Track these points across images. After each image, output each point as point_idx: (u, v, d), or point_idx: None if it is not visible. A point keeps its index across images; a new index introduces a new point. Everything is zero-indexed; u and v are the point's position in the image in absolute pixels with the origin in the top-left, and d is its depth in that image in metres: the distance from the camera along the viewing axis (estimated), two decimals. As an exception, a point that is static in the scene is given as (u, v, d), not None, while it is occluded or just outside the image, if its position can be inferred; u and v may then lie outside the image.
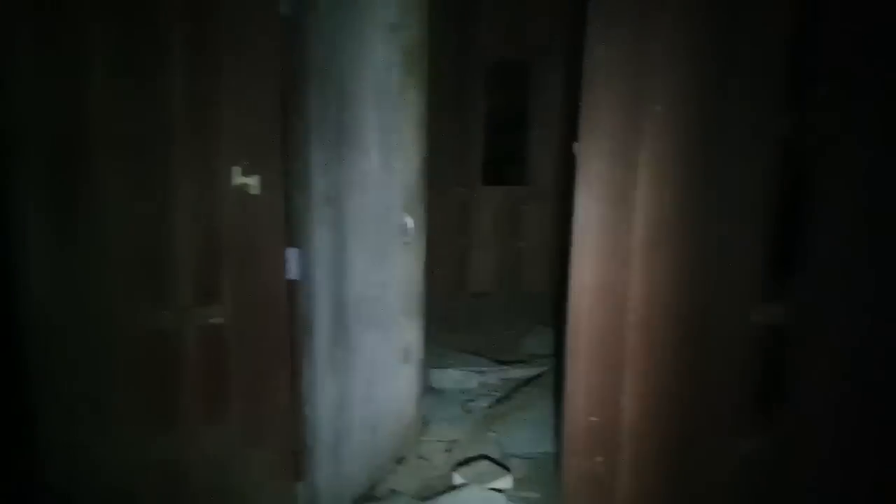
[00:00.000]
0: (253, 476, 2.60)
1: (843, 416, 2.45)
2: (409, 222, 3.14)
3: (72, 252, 2.35)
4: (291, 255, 2.45)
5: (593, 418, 2.55)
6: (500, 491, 3.11)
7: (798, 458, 2.51)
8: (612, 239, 2.40)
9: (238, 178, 2.30)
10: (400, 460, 3.36)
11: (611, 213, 2.38)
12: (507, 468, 3.30)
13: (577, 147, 2.38)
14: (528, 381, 4.39)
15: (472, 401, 4.16)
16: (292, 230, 2.44)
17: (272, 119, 2.32)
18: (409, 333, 3.35)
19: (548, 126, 5.97)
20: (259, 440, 2.57)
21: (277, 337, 2.49)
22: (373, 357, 3.03)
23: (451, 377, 4.41)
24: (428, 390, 4.17)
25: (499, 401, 4.13)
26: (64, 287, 2.41)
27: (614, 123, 2.31)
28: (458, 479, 3.19)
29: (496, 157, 6.27)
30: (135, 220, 2.38)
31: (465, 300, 6.13)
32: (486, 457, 3.40)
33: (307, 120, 2.40)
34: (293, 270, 2.47)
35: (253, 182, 2.31)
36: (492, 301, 6.09)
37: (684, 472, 2.55)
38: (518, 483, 3.22)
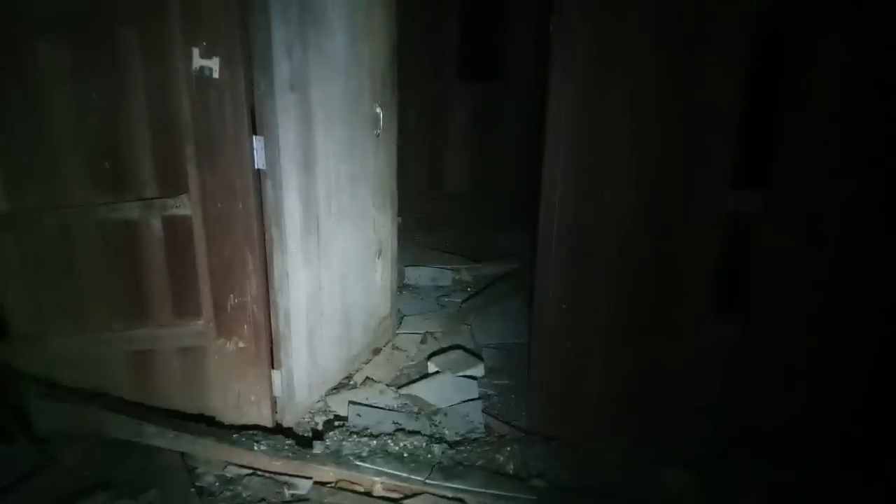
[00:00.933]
0: (226, 367, 2.64)
1: (809, 298, 2.52)
2: (381, 112, 3.05)
3: (21, 141, 2.26)
4: (257, 143, 2.36)
5: (564, 305, 2.60)
6: (472, 378, 3.20)
7: (768, 340, 2.60)
8: (587, 122, 2.35)
9: (197, 61, 2.18)
10: (376, 351, 3.43)
11: (585, 95, 2.32)
12: (479, 357, 3.39)
13: (554, 21, 2.28)
14: (501, 277, 4.44)
15: (446, 296, 4.21)
16: (256, 117, 2.34)
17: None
18: (382, 227, 3.33)
19: (527, 20, 5.76)
20: (232, 330, 2.58)
21: (246, 227, 2.45)
22: (346, 250, 3.02)
23: (425, 274, 4.44)
24: (403, 287, 4.21)
25: (472, 296, 4.19)
26: (19, 177, 2.33)
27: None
28: (432, 367, 3.28)
29: (473, 51, 6.08)
30: (88, 105, 2.27)
31: (439, 200, 6.11)
32: (459, 347, 3.48)
33: (267, -3, 2.26)
34: (259, 159, 2.39)
35: (213, 65, 2.19)
36: (466, 200, 6.07)
37: (652, 356, 2.64)
38: (490, 371, 3.31)
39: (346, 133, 2.85)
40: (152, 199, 2.43)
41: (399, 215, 3.57)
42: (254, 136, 2.36)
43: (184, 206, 2.44)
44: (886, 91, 2.24)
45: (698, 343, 2.60)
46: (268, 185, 2.45)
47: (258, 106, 2.33)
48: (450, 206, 6.02)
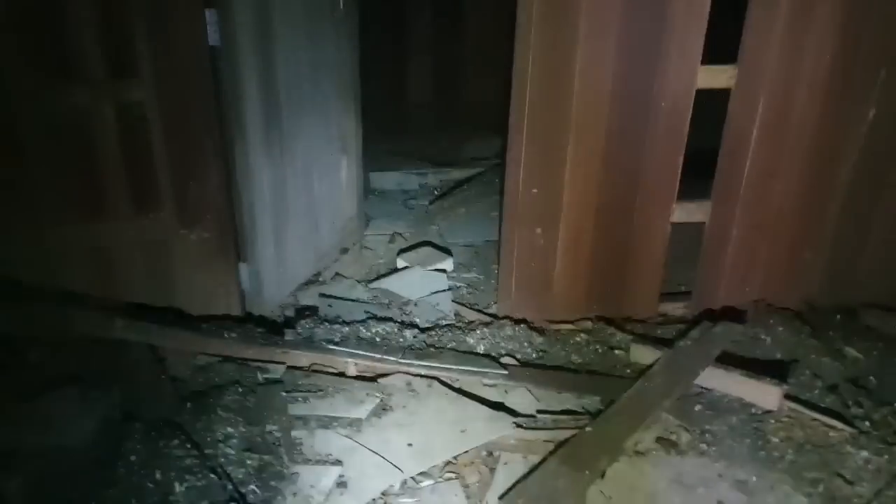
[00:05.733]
0: (191, 259, 2.57)
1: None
2: (339, -5, 2.90)
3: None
4: (210, 16, 2.23)
5: (535, 190, 2.57)
6: (442, 271, 3.20)
7: (735, 221, 2.62)
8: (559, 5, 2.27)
9: (139, -81, 2.02)
10: (344, 251, 3.39)
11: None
12: (449, 252, 3.38)
13: None
14: (468, 180, 4.40)
15: (413, 199, 4.17)
16: (207, -12, 2.20)
17: None
18: (345, 122, 3.23)
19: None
20: (194, 222, 2.50)
21: (203, 109, 2.34)
22: (310, 144, 2.92)
23: (391, 178, 4.38)
24: (369, 192, 4.14)
25: (439, 198, 4.15)
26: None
27: None
28: (401, 262, 3.26)
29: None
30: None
31: (404, 109, 5.97)
32: (428, 243, 3.46)
33: None
34: (213, 35, 2.26)
35: (157, -76, 2.03)
36: (432, 109, 5.94)
37: (622, 239, 2.65)
38: (459, 266, 3.31)
39: (305, 14, 2.71)
40: (101, 81, 2.29)
41: (363, 122, 3.46)
42: (206, 10, 2.23)
43: (136, 90, 2.31)
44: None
45: (664, 228, 2.61)
46: (224, 64, 2.33)
47: (210, -25, 2.19)
48: (414, 115, 5.89)
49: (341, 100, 3.15)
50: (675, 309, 2.79)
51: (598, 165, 2.51)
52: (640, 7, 2.27)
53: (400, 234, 3.66)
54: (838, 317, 2.61)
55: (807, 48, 2.34)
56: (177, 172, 2.42)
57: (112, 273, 2.57)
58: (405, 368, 2.35)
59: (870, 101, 2.45)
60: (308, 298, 2.94)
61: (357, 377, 2.36)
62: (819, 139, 2.49)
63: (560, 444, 1.99)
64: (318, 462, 2.00)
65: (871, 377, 2.31)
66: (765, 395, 2.16)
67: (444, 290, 3.04)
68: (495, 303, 2.93)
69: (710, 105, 2.42)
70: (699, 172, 2.56)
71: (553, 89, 2.38)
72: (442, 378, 2.35)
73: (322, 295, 2.93)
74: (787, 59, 2.36)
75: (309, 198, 3.01)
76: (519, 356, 2.51)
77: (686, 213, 2.61)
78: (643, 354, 2.45)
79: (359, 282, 3.13)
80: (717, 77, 2.40)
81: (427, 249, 3.39)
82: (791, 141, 2.49)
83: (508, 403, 2.26)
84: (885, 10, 2.31)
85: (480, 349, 2.54)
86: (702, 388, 2.26)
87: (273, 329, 2.59)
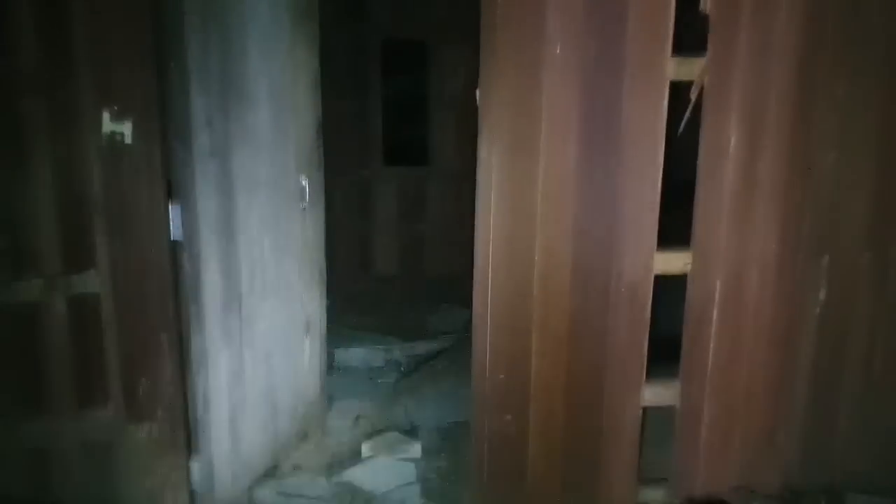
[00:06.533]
0: (140, 456, 2.39)
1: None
2: (306, 185, 3.00)
3: None
4: (173, 211, 2.25)
5: (501, 376, 2.51)
6: (410, 460, 3.03)
7: (706, 404, 2.57)
8: (517, 190, 2.36)
9: (108, 125, 2.09)
10: (304, 436, 3.22)
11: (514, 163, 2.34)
12: (416, 438, 3.23)
13: (479, 94, 2.33)
14: (434, 356, 4.34)
15: (378, 377, 4.06)
16: (173, 184, 2.25)
17: (143, 56, 2.12)
18: (309, 304, 3.20)
19: (450, 107, 5.95)
20: (144, 416, 2.36)
21: (160, 303, 2.29)
22: (271, 328, 2.87)
23: (356, 355, 4.30)
24: (332, 370, 4.03)
25: (405, 375, 4.05)
26: None
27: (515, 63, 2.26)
28: (366, 450, 3.09)
29: (398, 139, 6.19)
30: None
31: (369, 283, 6.03)
32: (394, 427, 3.31)
33: (183, 59, 2.21)
34: (176, 230, 2.28)
35: (125, 129, 2.10)
36: (396, 284, 6.02)
37: (593, 424, 2.56)
38: (427, 453, 3.15)
39: (271, 204, 2.78)
40: (55, 276, 2.24)
41: (328, 298, 3.45)
42: (170, 205, 2.26)
43: (91, 283, 2.27)
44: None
45: (635, 412, 2.55)
46: (185, 257, 2.32)
47: (175, 172, 2.24)
48: (380, 288, 5.95)
49: (306, 283, 3.15)
50: (655, 498, 2.64)
51: (563, 351, 2.48)
52: (595, 202, 2.37)
53: (365, 416, 3.51)
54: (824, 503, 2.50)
55: (752, 236, 2.45)
56: (128, 367, 2.31)
57: (49, 477, 2.36)
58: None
59: (819, 283, 2.52)
60: (265, 495, 2.73)
61: None
62: (777, 320, 2.52)
63: None
64: None
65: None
66: None
67: (411, 483, 2.86)
68: (466, 494, 2.75)
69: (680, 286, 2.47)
70: (672, 354, 2.55)
71: (514, 278, 2.40)
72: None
73: (280, 493, 2.72)
74: (735, 245, 2.45)
75: (268, 383, 2.89)
76: (493, 561, 2.31)
77: (656, 396, 2.56)
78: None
79: (320, 475, 2.93)
80: (674, 263, 2.47)
81: (393, 435, 3.24)
82: (750, 322, 2.51)
83: None
84: (819, 203, 2.45)
85: (451, 555, 2.34)
86: None
87: (223, 538, 2.36)
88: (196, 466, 2.48)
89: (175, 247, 2.32)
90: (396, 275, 6.16)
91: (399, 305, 5.48)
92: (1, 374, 2.25)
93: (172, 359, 2.33)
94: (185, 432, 2.44)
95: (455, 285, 6.06)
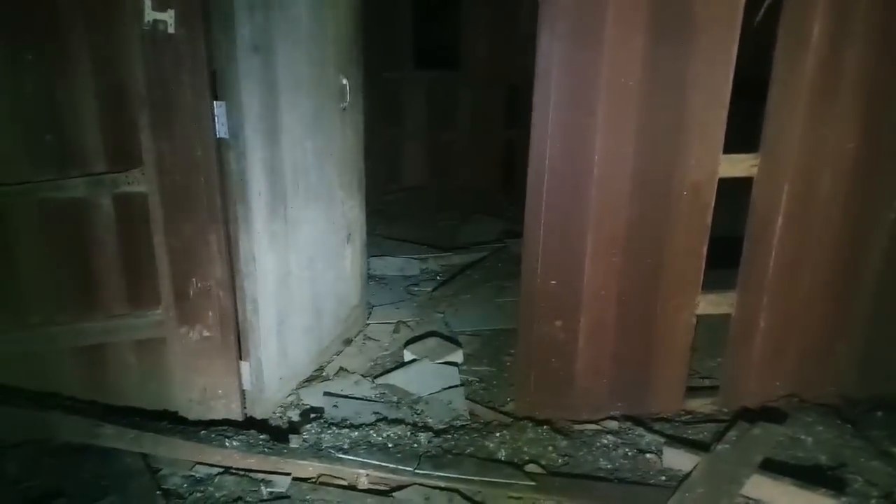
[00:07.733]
0: (190, 359, 2.40)
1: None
2: (347, 84, 2.86)
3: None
4: (218, 109, 2.15)
5: (553, 282, 2.46)
6: (452, 364, 3.04)
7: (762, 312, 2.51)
8: (578, 82, 2.22)
9: (150, 13, 1.96)
10: (347, 342, 3.23)
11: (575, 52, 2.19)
12: (457, 343, 3.23)
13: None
14: (470, 265, 4.29)
15: (415, 286, 4.04)
16: (217, 81, 2.14)
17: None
18: (350, 211, 3.13)
19: (481, 7, 5.64)
20: (195, 318, 2.35)
21: (208, 204, 2.23)
22: (314, 234, 2.82)
23: (392, 264, 4.26)
24: (370, 278, 4.01)
25: (442, 284, 4.02)
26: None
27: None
28: (408, 355, 3.10)
29: (428, 41, 5.93)
30: (21, 70, 2.01)
31: (399, 192, 5.95)
32: (435, 333, 3.31)
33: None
34: (221, 128, 2.18)
35: (168, 18, 1.97)
36: (427, 193, 5.92)
37: (645, 332, 2.52)
38: (469, 358, 3.15)
39: (312, 104, 2.66)
40: (101, 174, 2.18)
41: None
42: (215, 102, 2.15)
43: (138, 182, 2.21)
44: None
45: (689, 320, 2.50)
46: (231, 156, 2.24)
47: (220, 68, 2.13)
48: (409, 198, 5.87)
49: (346, 188, 3.07)
50: (703, 405, 2.63)
51: (618, 256, 2.41)
52: (661, 96, 2.23)
53: (405, 322, 3.51)
54: (879, 413, 2.46)
55: (829, 136, 2.30)
56: (178, 268, 2.29)
57: (102, 374, 2.40)
58: (422, 480, 2.16)
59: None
60: (312, 397, 2.76)
61: (369, 490, 2.16)
62: (845, 226, 2.42)
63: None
64: None
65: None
66: (821, 508, 1.98)
67: (455, 386, 2.87)
68: (511, 400, 2.76)
69: (737, 192, 2.35)
70: (727, 261, 2.47)
71: (571, 178, 2.30)
72: (463, 491, 2.15)
73: (327, 393, 2.75)
74: (809, 146, 2.31)
75: (313, 289, 2.87)
76: (543, 462, 2.32)
77: (711, 304, 2.51)
78: (677, 459, 2.28)
79: (364, 377, 2.95)
80: (739, 165, 2.35)
81: (434, 340, 3.23)
82: (817, 229, 2.41)
83: (537, 519, 2.06)
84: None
85: (501, 455, 2.35)
86: (748, 498, 2.08)
87: (276, 436, 2.39)
88: (246, 368, 2.49)
89: (220, 145, 2.23)
90: (425, 184, 6.05)
91: (429, 216, 5.40)
92: (56, 272, 2.24)
93: (222, 259, 2.29)
94: (236, 335, 2.43)
95: (483, 196, 5.97)
